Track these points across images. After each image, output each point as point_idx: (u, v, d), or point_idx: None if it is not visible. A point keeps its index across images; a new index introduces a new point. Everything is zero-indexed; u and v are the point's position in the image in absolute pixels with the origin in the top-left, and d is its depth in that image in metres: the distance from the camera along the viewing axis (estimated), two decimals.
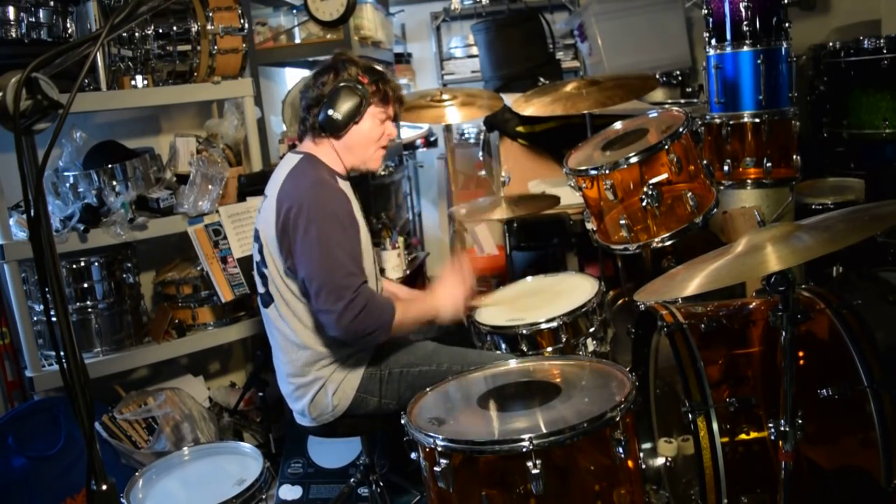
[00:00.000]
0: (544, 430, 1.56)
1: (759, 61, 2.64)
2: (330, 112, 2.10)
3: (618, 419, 1.60)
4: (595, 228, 2.56)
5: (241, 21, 2.91)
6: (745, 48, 2.66)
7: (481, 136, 4.28)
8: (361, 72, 2.14)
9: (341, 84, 2.11)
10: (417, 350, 2.22)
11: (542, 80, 3.71)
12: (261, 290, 2.22)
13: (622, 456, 1.61)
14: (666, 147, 2.29)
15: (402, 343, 2.24)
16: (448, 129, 4.91)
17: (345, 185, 2.17)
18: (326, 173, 2.13)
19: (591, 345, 2.38)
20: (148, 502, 1.96)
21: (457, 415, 1.77)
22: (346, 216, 2.05)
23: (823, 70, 3.66)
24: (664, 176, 2.32)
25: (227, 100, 3.10)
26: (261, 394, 2.87)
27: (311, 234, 1.98)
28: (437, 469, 1.61)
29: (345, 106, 2.10)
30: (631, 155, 2.32)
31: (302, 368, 2.15)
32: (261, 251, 2.16)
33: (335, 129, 2.13)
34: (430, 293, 2.26)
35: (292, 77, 4.24)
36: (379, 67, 2.27)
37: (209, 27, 2.82)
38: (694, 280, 1.52)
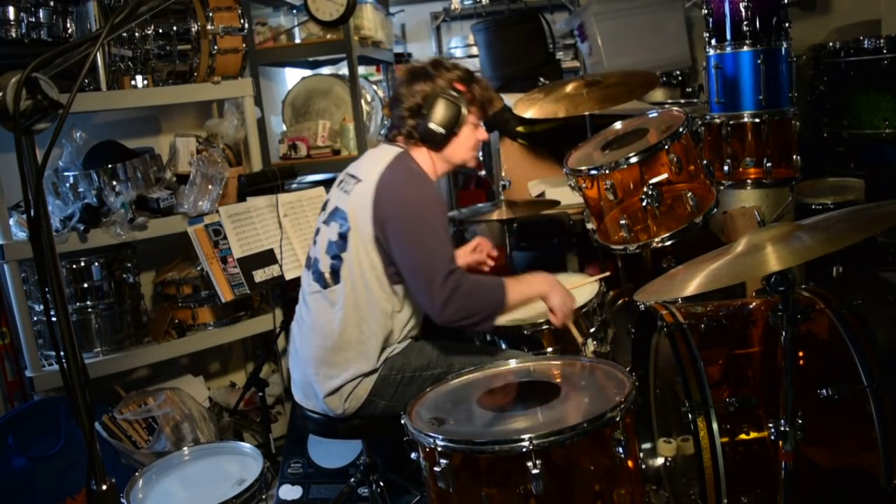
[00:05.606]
0: (544, 430, 1.56)
1: (759, 61, 2.64)
2: (431, 126, 2.06)
3: (618, 419, 1.60)
4: (595, 228, 2.56)
5: (241, 21, 2.91)
6: (745, 48, 2.66)
7: None
8: (457, 79, 2.09)
9: (439, 94, 2.06)
10: (429, 353, 2.16)
11: (542, 80, 3.71)
12: (325, 271, 2.12)
13: (622, 456, 1.61)
14: (666, 147, 2.29)
15: (413, 346, 2.18)
16: None
17: None
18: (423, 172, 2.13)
19: (591, 345, 2.38)
20: (148, 502, 1.96)
21: (457, 415, 1.77)
22: (444, 210, 2.05)
23: (823, 70, 3.66)
24: (664, 176, 2.32)
25: (227, 100, 3.10)
26: (261, 394, 2.87)
27: (423, 224, 1.97)
28: (437, 469, 1.61)
29: (445, 119, 2.06)
30: (631, 155, 2.32)
31: (328, 359, 2.08)
32: (344, 234, 2.08)
33: (435, 143, 2.10)
34: (534, 275, 2.13)
35: (292, 77, 4.24)
36: (469, 69, 2.19)
37: (209, 27, 2.82)
38: (694, 280, 1.52)
